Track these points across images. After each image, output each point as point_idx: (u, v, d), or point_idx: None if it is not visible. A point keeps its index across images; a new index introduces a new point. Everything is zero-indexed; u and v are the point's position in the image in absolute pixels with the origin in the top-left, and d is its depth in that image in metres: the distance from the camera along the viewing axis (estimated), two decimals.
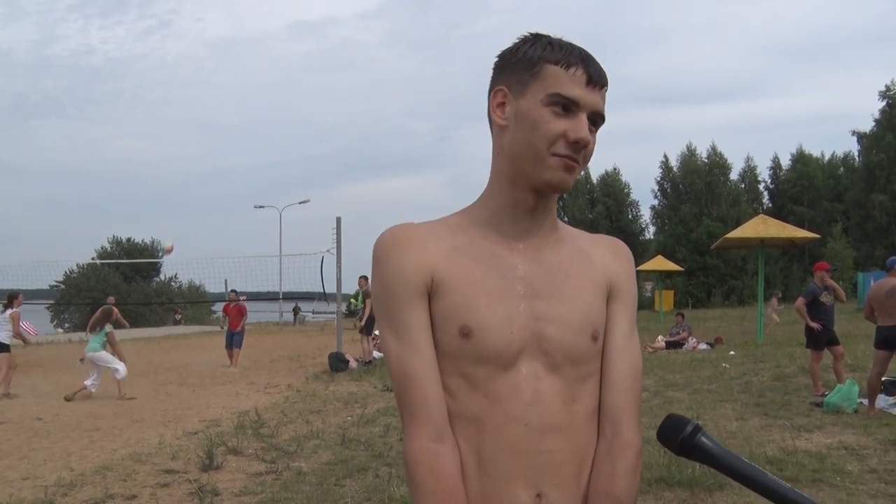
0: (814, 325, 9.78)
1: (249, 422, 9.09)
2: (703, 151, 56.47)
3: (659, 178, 58.32)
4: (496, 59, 1.38)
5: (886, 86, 49.43)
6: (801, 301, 10.08)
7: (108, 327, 12.43)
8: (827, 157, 58.95)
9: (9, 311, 12.68)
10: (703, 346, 17.55)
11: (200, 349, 21.88)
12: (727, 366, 12.86)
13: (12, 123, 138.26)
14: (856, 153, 55.53)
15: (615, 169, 60.37)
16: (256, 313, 44.50)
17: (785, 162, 58.56)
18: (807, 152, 57.64)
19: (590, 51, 1.32)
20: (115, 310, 14.41)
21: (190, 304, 53.44)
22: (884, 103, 49.32)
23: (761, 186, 59.61)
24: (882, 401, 8.64)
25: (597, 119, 1.31)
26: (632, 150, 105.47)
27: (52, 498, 5.93)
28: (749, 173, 58.45)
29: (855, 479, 5.68)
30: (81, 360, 17.54)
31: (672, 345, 17.83)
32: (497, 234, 1.36)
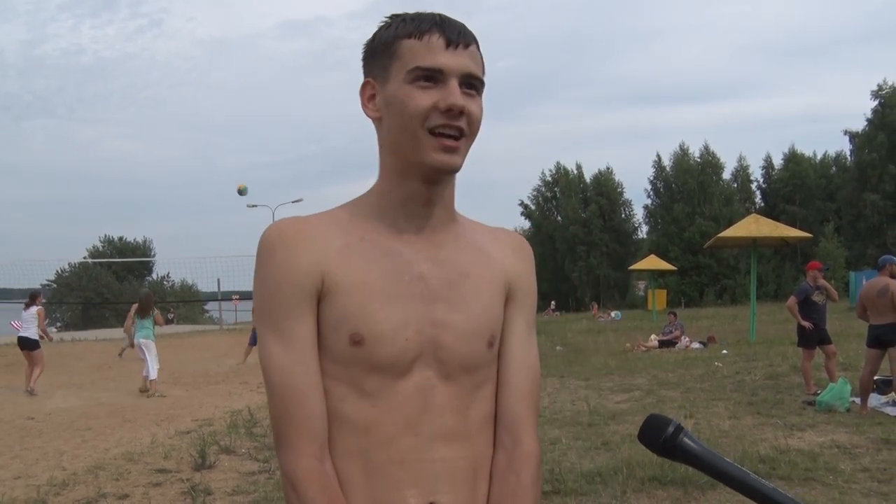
0: (805, 323, 9.81)
1: (242, 421, 9.07)
2: (695, 151, 56.60)
3: (652, 178, 58.41)
4: (361, 54, 1.32)
5: (878, 85, 49.59)
6: (792, 300, 10.11)
7: (153, 312, 12.98)
8: (819, 156, 59.07)
9: (34, 308, 12.70)
10: (695, 344, 17.58)
11: (193, 348, 21.82)
12: (720, 364, 12.89)
13: (3, 124, 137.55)
14: (848, 152, 55.68)
15: (608, 168, 60.38)
16: (248, 312, 44.44)
17: (777, 161, 58.67)
18: (799, 152, 57.74)
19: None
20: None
21: (182, 303, 53.31)
22: (876, 103, 49.47)
23: (754, 186, 59.73)
24: (874, 400, 8.67)
25: (473, 82, 1.23)
26: (625, 149, 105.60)
27: (45, 497, 5.91)
28: (741, 173, 58.54)
29: (847, 477, 5.70)
30: (121, 353, 17.66)
31: (665, 343, 17.85)
32: (391, 228, 1.28)
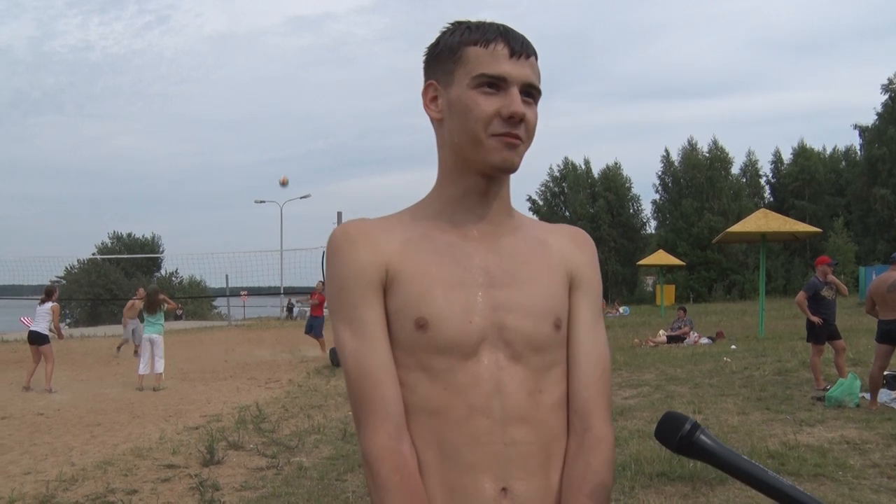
0: (815, 319, 9.76)
1: (250, 417, 9.09)
2: (704, 146, 56.44)
3: (660, 173, 58.30)
4: (423, 57, 1.37)
5: (889, 79, 49.28)
6: (802, 295, 10.06)
7: (163, 307, 13.15)
8: (828, 151, 58.87)
9: (49, 304, 12.71)
10: (704, 340, 17.53)
11: (201, 344, 21.89)
12: (728, 360, 12.84)
13: (12, 121, 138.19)
14: (857, 147, 55.46)
15: (616, 163, 60.26)
16: (257, 308, 44.57)
17: (786, 156, 58.46)
18: (808, 146, 57.52)
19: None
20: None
21: (191, 299, 53.46)
22: (886, 97, 49.19)
23: (762, 180, 59.53)
24: (884, 395, 8.63)
25: (531, 91, 1.29)
26: (633, 144, 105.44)
27: (54, 492, 5.94)
28: (750, 167, 58.35)
29: (857, 473, 5.67)
30: (119, 348, 17.75)
31: (673, 339, 17.81)
32: (450, 224, 1.34)
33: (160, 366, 12.58)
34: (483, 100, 1.26)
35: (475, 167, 1.30)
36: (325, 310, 17.58)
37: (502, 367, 1.27)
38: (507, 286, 1.30)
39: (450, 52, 1.30)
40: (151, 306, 13.06)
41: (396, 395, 1.26)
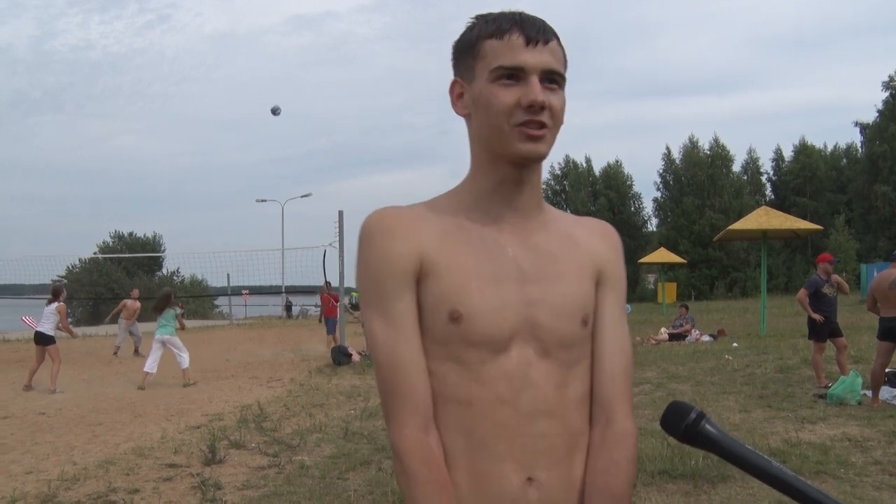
0: (815, 316, 9.75)
1: (252, 416, 9.09)
2: (705, 143, 56.38)
3: (661, 171, 58.24)
4: (451, 56, 1.38)
5: (890, 76, 49.23)
6: (803, 292, 10.04)
7: (177, 309, 13.21)
8: (830, 148, 58.83)
9: (55, 305, 12.67)
10: (705, 338, 17.54)
11: (202, 343, 21.87)
12: (730, 358, 12.85)
13: (12, 120, 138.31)
14: (859, 144, 55.42)
15: (617, 161, 60.24)
16: (259, 307, 44.57)
17: (787, 153, 58.43)
18: (809, 143, 57.49)
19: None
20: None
21: (192, 298, 53.46)
22: (887, 94, 49.13)
23: (764, 178, 59.50)
24: (886, 392, 8.63)
25: (553, 76, 1.28)
26: (634, 142, 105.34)
27: (56, 492, 5.94)
28: (751, 165, 58.31)
29: (859, 470, 5.67)
30: (116, 352, 17.80)
31: (675, 337, 17.83)
32: (485, 215, 1.35)
33: (184, 361, 12.76)
34: (503, 92, 1.26)
35: (504, 158, 1.31)
36: (338, 309, 17.72)
37: (531, 362, 1.29)
38: (539, 282, 1.32)
39: (469, 48, 1.32)
40: (158, 307, 13.13)
41: (425, 387, 1.28)
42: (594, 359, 1.38)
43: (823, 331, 9.75)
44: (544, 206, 1.42)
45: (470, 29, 1.33)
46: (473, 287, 1.27)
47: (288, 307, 43.14)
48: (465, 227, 1.33)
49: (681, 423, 1.08)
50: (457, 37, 1.36)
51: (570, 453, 1.33)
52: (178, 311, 13.43)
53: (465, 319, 1.26)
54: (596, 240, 1.44)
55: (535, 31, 1.27)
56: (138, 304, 18.74)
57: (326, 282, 19.94)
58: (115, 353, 18.07)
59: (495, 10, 1.33)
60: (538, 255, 1.34)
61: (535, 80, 1.25)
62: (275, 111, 18.32)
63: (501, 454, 1.27)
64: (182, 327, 13.31)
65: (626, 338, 1.42)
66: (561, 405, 1.31)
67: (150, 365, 12.52)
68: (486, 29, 1.29)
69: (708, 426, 1.07)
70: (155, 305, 13.29)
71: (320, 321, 23.07)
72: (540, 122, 1.26)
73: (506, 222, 1.35)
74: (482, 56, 1.29)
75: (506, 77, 1.26)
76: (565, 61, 1.33)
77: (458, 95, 1.36)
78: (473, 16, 1.35)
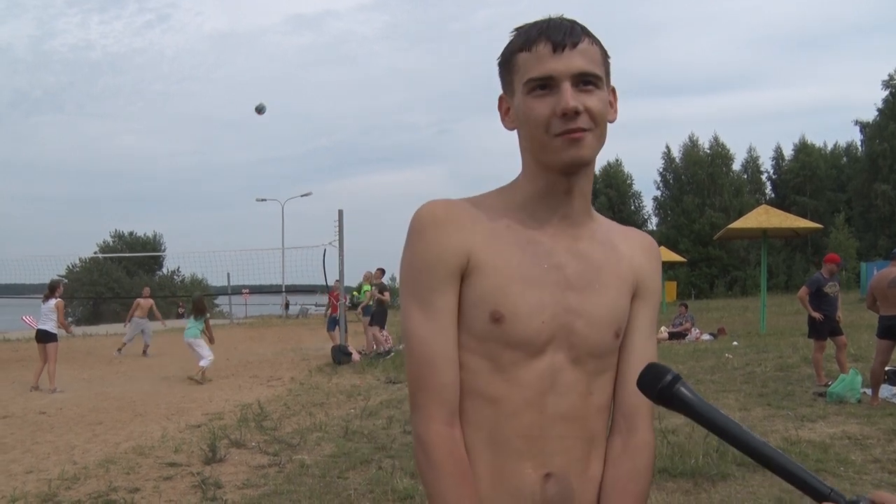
0: (816, 315, 9.75)
1: (252, 415, 9.09)
2: (705, 142, 56.46)
3: (661, 169, 58.30)
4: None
5: (889, 75, 49.24)
6: (804, 290, 10.04)
7: (206, 315, 13.79)
8: (830, 146, 58.86)
9: (53, 301, 12.58)
10: (705, 336, 17.54)
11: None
12: (730, 356, 12.85)
13: (13, 120, 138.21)
14: (858, 143, 55.45)
15: (617, 160, 60.24)
16: (259, 306, 44.56)
17: (787, 152, 58.47)
18: (809, 142, 57.54)
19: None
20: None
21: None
22: (887, 92, 49.12)
23: (764, 177, 59.55)
24: (885, 390, 8.63)
25: (587, 78, 1.26)
26: (634, 141, 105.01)
27: (56, 491, 5.94)
28: (751, 164, 58.35)
29: (858, 468, 5.68)
30: (120, 349, 17.90)
31: (675, 335, 17.83)
32: (533, 219, 1.35)
33: (204, 362, 13.04)
34: (537, 104, 1.26)
35: (551, 168, 1.31)
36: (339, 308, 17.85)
37: (562, 368, 1.32)
38: (580, 290, 1.33)
39: (506, 64, 1.33)
40: (199, 310, 13.68)
41: (455, 383, 1.30)
42: (621, 369, 1.40)
43: (824, 329, 9.76)
44: (593, 214, 1.42)
45: (508, 44, 1.34)
46: (517, 289, 1.29)
47: (286, 306, 43.10)
48: (513, 227, 1.34)
49: (657, 384, 1.09)
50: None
51: (587, 454, 1.36)
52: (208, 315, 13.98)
53: (507, 321, 1.28)
54: (638, 252, 1.45)
55: (562, 37, 1.26)
56: (151, 300, 18.88)
57: (336, 280, 20.05)
58: (119, 350, 18.05)
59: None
60: (582, 263, 1.35)
61: (566, 87, 1.24)
62: (259, 109, 18.23)
63: (521, 452, 1.30)
64: (211, 340, 13.72)
65: (654, 351, 1.43)
66: (584, 411, 1.34)
67: (205, 361, 13.05)
68: (517, 42, 1.31)
69: (683, 389, 1.08)
70: (194, 309, 13.97)
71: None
72: (577, 128, 1.25)
73: (553, 227, 1.35)
74: (516, 70, 1.30)
75: (539, 88, 1.26)
76: (603, 58, 1.31)
77: (505, 111, 1.37)
78: (513, 29, 1.35)
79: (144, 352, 18.04)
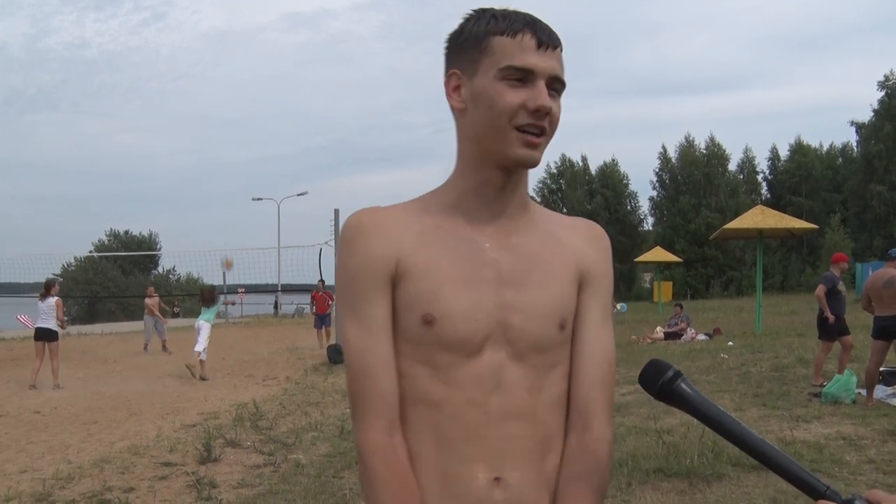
0: (832, 317, 9.69)
1: (248, 414, 9.09)
2: (701, 142, 56.45)
3: (657, 170, 58.30)
4: (445, 44, 1.35)
5: (885, 76, 49.24)
6: (822, 289, 9.92)
7: (218, 303, 14.52)
8: (825, 147, 58.88)
9: (52, 299, 12.63)
10: (701, 336, 17.54)
11: None
12: (725, 356, 12.86)
13: (8, 118, 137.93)
14: (854, 143, 55.47)
15: (613, 160, 60.29)
16: (255, 305, 44.52)
17: (783, 153, 58.49)
18: (805, 143, 57.56)
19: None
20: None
21: (188, 296, 53.36)
22: (882, 93, 49.15)
23: (760, 177, 59.56)
24: (880, 391, 8.65)
25: (556, 84, 1.27)
26: (630, 141, 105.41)
27: (51, 491, 5.93)
28: (747, 164, 58.39)
29: (853, 469, 5.68)
30: (146, 347, 18.12)
31: (670, 335, 17.84)
32: (465, 217, 1.33)
33: (198, 347, 13.14)
34: (509, 91, 1.24)
35: (496, 159, 1.29)
36: (328, 306, 18.05)
37: (504, 366, 1.28)
38: (516, 285, 1.30)
39: (475, 42, 1.28)
40: (206, 300, 14.04)
41: (394, 391, 1.27)
42: (574, 363, 1.36)
43: (834, 330, 9.74)
44: (530, 207, 1.40)
45: (475, 22, 1.29)
46: (447, 290, 1.27)
47: (276, 306, 43.06)
48: (443, 227, 1.32)
49: (657, 381, 1.09)
50: (455, 28, 1.33)
51: (541, 455, 1.31)
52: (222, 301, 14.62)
53: (439, 323, 1.25)
54: (581, 241, 1.41)
55: (547, 36, 1.26)
56: (156, 298, 19.51)
57: (321, 280, 20.32)
58: (145, 349, 18.58)
59: (494, 6, 1.30)
60: (518, 256, 1.32)
61: (542, 85, 1.24)
62: (226, 264, 19.88)
63: (469, 455, 1.27)
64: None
65: (608, 342, 1.40)
66: (533, 408, 1.30)
67: (199, 347, 13.17)
68: (496, 25, 1.26)
69: (683, 385, 1.08)
70: (202, 299, 14.33)
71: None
72: (542, 127, 1.25)
73: (487, 223, 1.33)
74: (490, 52, 1.26)
75: (514, 78, 1.24)
76: (564, 70, 1.32)
77: (454, 88, 1.32)
78: (474, 9, 1.32)
79: (164, 347, 18.31)
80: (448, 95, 1.33)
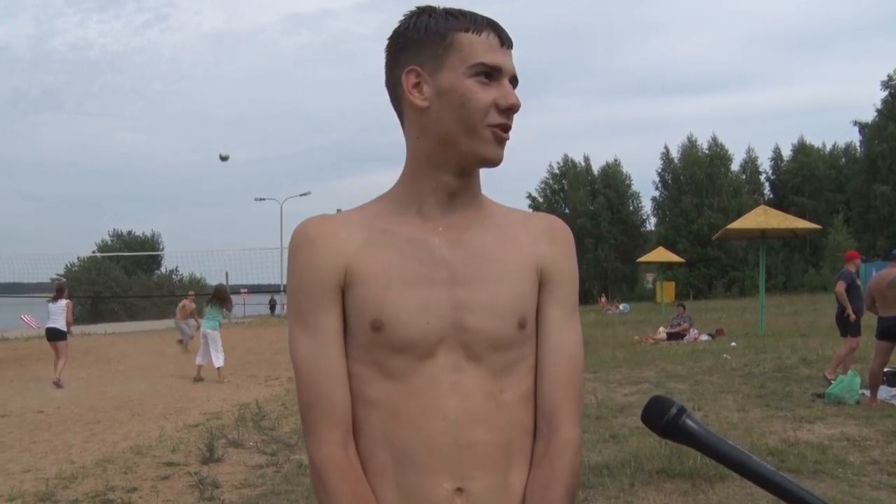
0: (853, 315, 9.69)
1: (250, 414, 9.09)
2: (703, 142, 56.58)
3: (660, 170, 58.41)
4: (391, 40, 1.31)
5: (889, 75, 49.36)
6: (842, 285, 9.90)
7: (228, 306, 14.11)
8: (828, 147, 58.96)
9: (63, 301, 13.13)
10: (704, 337, 17.53)
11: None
12: (728, 357, 12.83)
13: (11, 118, 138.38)
14: (857, 143, 55.53)
15: (616, 160, 60.39)
16: (257, 306, 44.57)
17: (786, 152, 58.57)
18: (808, 143, 57.63)
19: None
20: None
21: (199, 296, 53.46)
22: (886, 93, 49.19)
23: (762, 177, 59.63)
24: (884, 392, 8.62)
25: (513, 83, 1.28)
26: (633, 141, 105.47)
27: (54, 490, 5.93)
28: (750, 164, 58.42)
29: (857, 470, 5.66)
30: (180, 341, 18.14)
31: (673, 336, 17.82)
32: (417, 218, 1.29)
33: (218, 360, 12.95)
34: (480, 89, 1.22)
35: (459, 158, 1.26)
36: None
37: (460, 368, 1.23)
38: (469, 284, 1.25)
39: (438, 38, 1.24)
40: (223, 301, 13.72)
41: (346, 403, 1.24)
42: (538, 364, 1.31)
43: (856, 325, 9.77)
44: (484, 203, 1.36)
45: (431, 18, 1.26)
46: (395, 294, 1.23)
47: (272, 306, 43.13)
48: (391, 231, 1.28)
49: (662, 418, 1.07)
50: (402, 24, 1.29)
51: (506, 462, 1.26)
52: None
53: (387, 327, 1.22)
54: (540, 236, 1.34)
55: (506, 35, 1.26)
56: (193, 304, 19.35)
57: None
58: (186, 348, 18.60)
59: (481, 13, 1.28)
60: (471, 254, 1.28)
61: (507, 83, 1.25)
62: (223, 158, 18.86)
63: (429, 465, 1.21)
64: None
65: (573, 340, 1.34)
66: (494, 412, 1.24)
67: (200, 358, 13.10)
68: (459, 22, 1.24)
69: (689, 421, 1.07)
70: (218, 298, 13.83)
71: None
72: (510, 125, 1.26)
73: (438, 223, 1.29)
74: (457, 48, 1.23)
75: (483, 75, 1.23)
76: None
77: (414, 84, 1.26)
78: (418, 6, 1.29)
79: (184, 346, 18.56)
80: (408, 92, 1.27)
